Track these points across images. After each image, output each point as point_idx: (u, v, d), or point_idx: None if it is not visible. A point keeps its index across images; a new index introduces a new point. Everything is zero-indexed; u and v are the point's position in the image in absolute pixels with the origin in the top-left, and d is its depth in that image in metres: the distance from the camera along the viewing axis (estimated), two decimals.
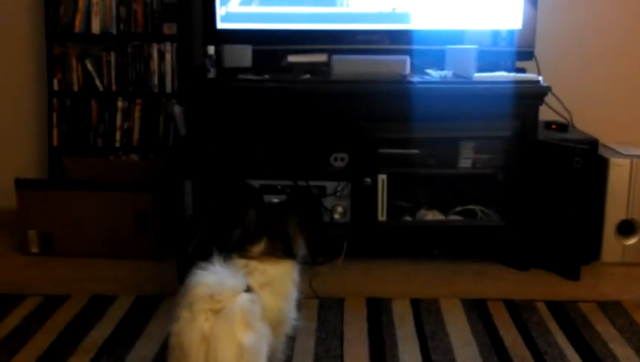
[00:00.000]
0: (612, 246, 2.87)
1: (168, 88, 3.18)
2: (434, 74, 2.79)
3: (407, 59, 2.72)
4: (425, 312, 2.42)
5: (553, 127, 2.92)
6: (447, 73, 2.77)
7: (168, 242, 2.96)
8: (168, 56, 3.15)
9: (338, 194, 2.80)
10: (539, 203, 2.76)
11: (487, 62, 2.76)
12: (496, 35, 2.91)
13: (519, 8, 2.88)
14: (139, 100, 3.20)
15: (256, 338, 1.45)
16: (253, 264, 1.67)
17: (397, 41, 2.90)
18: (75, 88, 3.21)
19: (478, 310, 2.44)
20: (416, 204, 2.93)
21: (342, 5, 2.87)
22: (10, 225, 3.04)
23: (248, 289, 1.53)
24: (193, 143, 2.77)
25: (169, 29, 3.14)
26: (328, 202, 2.80)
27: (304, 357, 2.10)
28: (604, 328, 2.31)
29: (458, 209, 2.90)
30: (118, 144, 3.22)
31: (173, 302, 1.55)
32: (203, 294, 1.45)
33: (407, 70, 2.72)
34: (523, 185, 2.76)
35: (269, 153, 2.85)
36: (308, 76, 2.79)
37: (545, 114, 2.89)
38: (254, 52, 2.83)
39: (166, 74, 3.17)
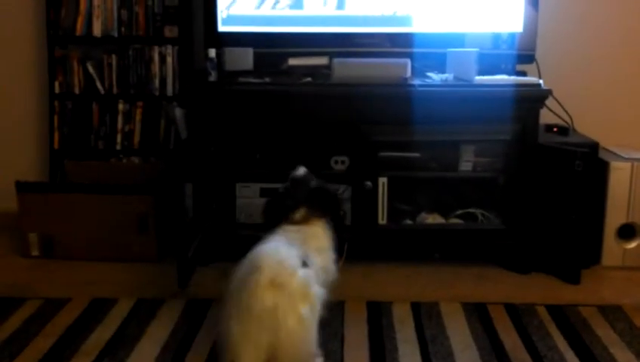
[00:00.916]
0: (612, 250, 2.86)
1: (169, 91, 3.18)
2: (435, 77, 2.79)
3: (408, 62, 2.72)
4: (425, 316, 2.42)
5: (554, 130, 2.92)
6: (448, 76, 2.77)
7: (169, 245, 2.96)
8: (169, 59, 3.15)
9: (339, 197, 2.80)
10: (539, 206, 2.76)
11: (488, 65, 2.76)
12: (497, 38, 2.90)
13: (520, 11, 2.88)
14: (140, 103, 3.20)
15: (311, 308, 1.76)
16: (303, 228, 2.04)
17: (398, 44, 2.90)
18: (77, 91, 3.21)
19: (478, 313, 2.44)
20: (416, 207, 2.93)
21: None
22: (11, 227, 3.04)
23: (304, 264, 1.84)
24: (194, 146, 2.77)
25: (170, 31, 3.14)
26: None
27: None
28: (605, 332, 2.31)
29: (459, 212, 2.90)
30: (119, 147, 3.22)
31: (233, 268, 1.80)
32: (268, 271, 1.72)
33: (408, 73, 2.72)
34: (523, 189, 2.76)
35: (270, 156, 2.85)
36: (309, 79, 2.80)
37: (546, 117, 2.89)
38: (255, 55, 2.83)
39: (167, 77, 3.16)
